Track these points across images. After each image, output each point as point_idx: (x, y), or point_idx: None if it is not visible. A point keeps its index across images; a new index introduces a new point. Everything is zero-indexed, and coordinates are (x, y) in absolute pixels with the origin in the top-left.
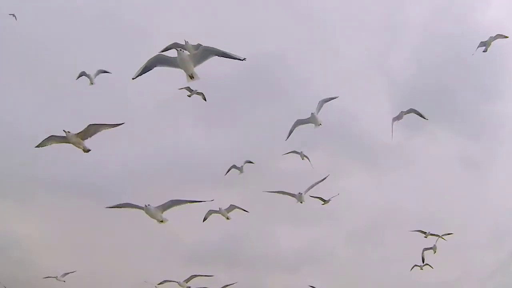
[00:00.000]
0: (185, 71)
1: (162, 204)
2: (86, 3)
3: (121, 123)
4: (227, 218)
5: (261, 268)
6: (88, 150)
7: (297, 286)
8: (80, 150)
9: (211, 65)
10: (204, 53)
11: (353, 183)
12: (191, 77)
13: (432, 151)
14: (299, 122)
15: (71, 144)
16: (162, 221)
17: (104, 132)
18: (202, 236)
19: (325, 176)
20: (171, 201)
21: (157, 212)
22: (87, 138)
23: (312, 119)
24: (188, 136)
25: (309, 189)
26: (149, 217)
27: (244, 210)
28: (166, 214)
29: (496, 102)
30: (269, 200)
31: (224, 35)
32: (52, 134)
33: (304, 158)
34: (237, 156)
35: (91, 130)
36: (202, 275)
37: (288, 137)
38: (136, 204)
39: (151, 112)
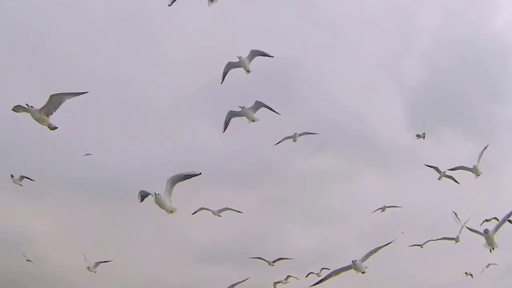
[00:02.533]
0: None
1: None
2: (101, 3)
3: (85, 91)
4: (219, 216)
5: (274, 268)
6: (55, 128)
7: (308, 285)
8: (46, 128)
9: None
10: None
11: (365, 184)
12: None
13: (443, 154)
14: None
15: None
16: (171, 212)
17: (68, 103)
18: (214, 234)
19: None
20: (169, 179)
21: (166, 200)
22: (52, 113)
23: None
24: (205, 137)
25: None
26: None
27: (238, 211)
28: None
29: (507, 106)
30: (281, 200)
31: (239, 38)
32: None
33: (297, 139)
34: (253, 157)
35: (54, 101)
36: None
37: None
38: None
39: (168, 112)
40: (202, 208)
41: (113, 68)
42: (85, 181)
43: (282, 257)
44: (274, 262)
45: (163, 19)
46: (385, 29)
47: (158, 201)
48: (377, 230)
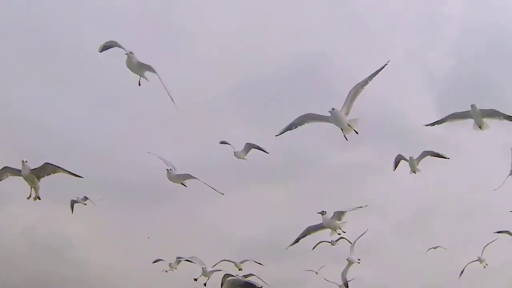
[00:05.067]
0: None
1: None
2: (128, 4)
3: (80, 176)
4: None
5: (311, 260)
6: (38, 198)
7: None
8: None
9: (257, 66)
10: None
11: (400, 175)
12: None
13: (476, 142)
14: None
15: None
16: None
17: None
18: (251, 229)
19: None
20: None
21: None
22: (43, 176)
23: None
24: (238, 134)
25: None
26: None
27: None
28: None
29: None
30: (317, 194)
31: (268, 34)
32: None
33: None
34: (287, 152)
35: (48, 169)
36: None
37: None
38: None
39: (201, 112)
40: (223, 260)
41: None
42: (121, 183)
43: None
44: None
45: (193, 19)
46: (411, 20)
47: (170, 176)
48: (414, 219)
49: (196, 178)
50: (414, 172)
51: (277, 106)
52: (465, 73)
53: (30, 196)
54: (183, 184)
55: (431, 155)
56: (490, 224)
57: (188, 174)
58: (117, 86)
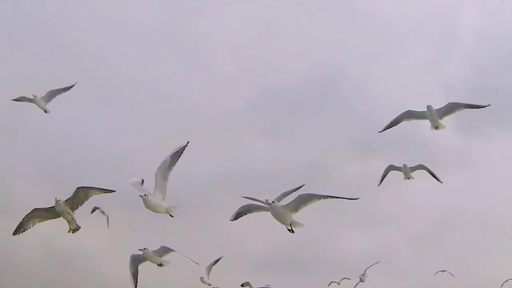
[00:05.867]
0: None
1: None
2: (148, 18)
3: (113, 190)
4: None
5: (328, 272)
6: (77, 228)
7: None
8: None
9: (274, 78)
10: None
11: (416, 186)
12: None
13: (494, 153)
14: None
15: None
16: (169, 213)
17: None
18: (269, 243)
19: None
20: (157, 171)
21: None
22: (77, 207)
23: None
24: (256, 146)
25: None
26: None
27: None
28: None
29: None
30: (333, 206)
31: (285, 46)
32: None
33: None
34: (304, 164)
35: (81, 195)
36: None
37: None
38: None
39: (218, 124)
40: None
41: (163, 82)
42: (135, 194)
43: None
44: None
45: (210, 32)
46: (426, 30)
47: (148, 204)
48: (429, 231)
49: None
50: (408, 178)
51: (294, 117)
52: (482, 83)
53: (69, 230)
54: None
55: (427, 171)
56: (508, 236)
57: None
58: (135, 97)
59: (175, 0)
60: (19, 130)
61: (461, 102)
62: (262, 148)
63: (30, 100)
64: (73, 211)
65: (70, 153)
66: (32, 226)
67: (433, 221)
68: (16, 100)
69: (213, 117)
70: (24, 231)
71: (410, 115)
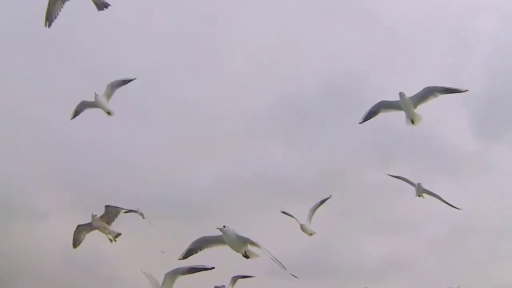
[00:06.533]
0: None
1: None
2: (162, 23)
3: (136, 210)
4: None
5: (346, 278)
6: (117, 236)
7: None
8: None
9: (292, 85)
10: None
11: (437, 192)
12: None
13: None
14: None
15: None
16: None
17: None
18: (286, 247)
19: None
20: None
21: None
22: (113, 221)
23: None
24: (273, 152)
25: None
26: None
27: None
28: None
29: None
30: (352, 212)
31: (302, 53)
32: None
33: None
34: (323, 171)
35: (111, 211)
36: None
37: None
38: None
39: (234, 130)
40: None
41: (178, 88)
42: (156, 201)
43: None
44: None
45: (227, 39)
46: (445, 37)
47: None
48: (449, 236)
49: None
50: (419, 196)
51: (312, 124)
52: (501, 90)
53: (110, 240)
54: None
55: (440, 200)
56: None
57: None
58: (153, 104)
59: (193, 9)
60: (39, 136)
61: (437, 85)
62: (280, 154)
63: (92, 105)
64: (109, 224)
65: (89, 160)
66: (84, 237)
67: (452, 227)
68: (76, 113)
69: (231, 124)
70: (80, 243)
71: (384, 105)
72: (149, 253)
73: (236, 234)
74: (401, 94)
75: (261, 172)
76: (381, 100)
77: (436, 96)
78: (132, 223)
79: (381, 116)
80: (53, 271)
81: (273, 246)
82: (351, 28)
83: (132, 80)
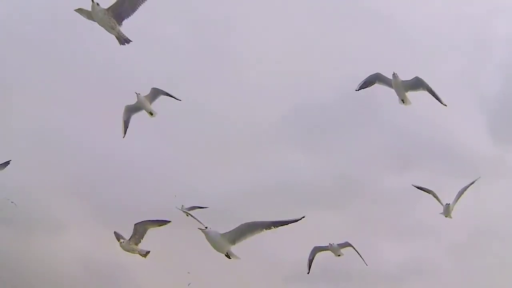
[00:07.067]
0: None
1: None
2: (180, 30)
3: (168, 221)
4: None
5: (365, 283)
6: (147, 254)
7: None
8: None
9: (310, 91)
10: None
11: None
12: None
13: None
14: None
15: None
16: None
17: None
18: (303, 253)
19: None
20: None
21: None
22: (140, 241)
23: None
24: (290, 159)
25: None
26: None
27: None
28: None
29: None
30: (371, 217)
31: (318, 59)
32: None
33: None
34: (342, 177)
35: (139, 229)
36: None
37: None
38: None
39: (252, 138)
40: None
41: (196, 96)
42: (173, 209)
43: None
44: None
45: (245, 46)
46: (460, 41)
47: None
48: (468, 241)
49: None
50: (446, 216)
51: (329, 130)
52: None
53: (142, 256)
54: None
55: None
56: None
57: None
58: (171, 112)
59: (209, 18)
60: (58, 148)
61: (425, 82)
62: (298, 161)
63: (135, 108)
64: (137, 245)
65: (107, 171)
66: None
67: (471, 231)
68: (125, 126)
69: (247, 131)
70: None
71: (380, 78)
72: (168, 263)
73: (219, 235)
74: (394, 75)
75: (280, 179)
76: (377, 72)
77: (424, 90)
78: (149, 233)
79: (380, 90)
80: (71, 280)
81: (292, 251)
82: (368, 34)
83: (174, 97)
